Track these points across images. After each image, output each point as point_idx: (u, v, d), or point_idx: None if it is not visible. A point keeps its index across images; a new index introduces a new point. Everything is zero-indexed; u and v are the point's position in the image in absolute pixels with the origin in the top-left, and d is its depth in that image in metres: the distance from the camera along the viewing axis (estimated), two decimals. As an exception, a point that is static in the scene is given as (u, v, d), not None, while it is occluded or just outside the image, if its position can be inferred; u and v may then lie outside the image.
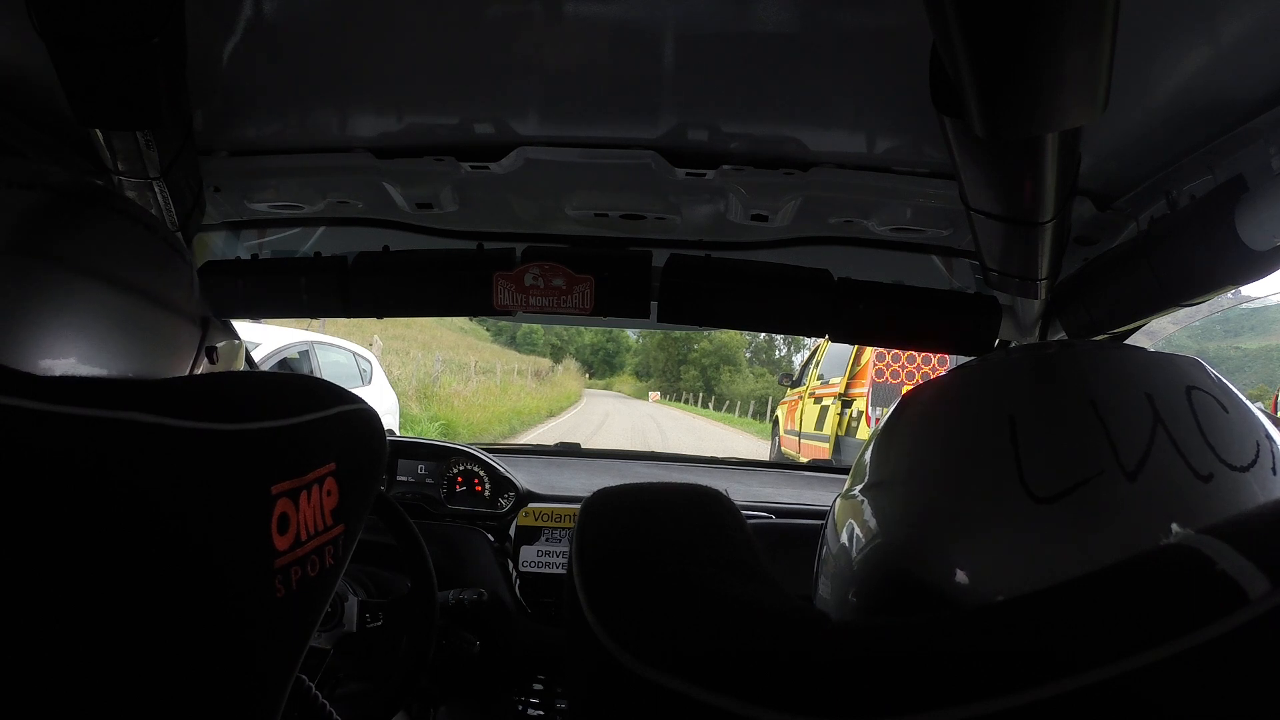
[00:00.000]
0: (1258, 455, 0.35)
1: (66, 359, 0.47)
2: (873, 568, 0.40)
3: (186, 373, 0.59)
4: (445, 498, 1.47)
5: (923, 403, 0.44)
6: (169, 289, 0.55)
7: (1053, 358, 0.41)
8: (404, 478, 1.49)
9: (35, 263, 0.47)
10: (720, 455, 2.48)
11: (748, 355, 47.53)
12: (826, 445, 6.53)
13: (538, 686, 1.38)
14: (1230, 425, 0.35)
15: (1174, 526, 0.32)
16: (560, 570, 1.39)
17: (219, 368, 0.72)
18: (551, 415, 17.58)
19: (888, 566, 0.39)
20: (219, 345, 0.67)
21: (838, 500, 0.48)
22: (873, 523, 0.41)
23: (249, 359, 1.36)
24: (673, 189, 0.93)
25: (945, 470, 0.38)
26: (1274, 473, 0.35)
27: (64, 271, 0.48)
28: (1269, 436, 0.36)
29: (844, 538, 0.44)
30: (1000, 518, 0.35)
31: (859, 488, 0.44)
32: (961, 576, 0.35)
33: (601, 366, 53.31)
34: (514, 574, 1.39)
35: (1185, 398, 0.36)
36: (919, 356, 5.68)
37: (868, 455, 0.46)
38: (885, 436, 0.45)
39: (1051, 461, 0.35)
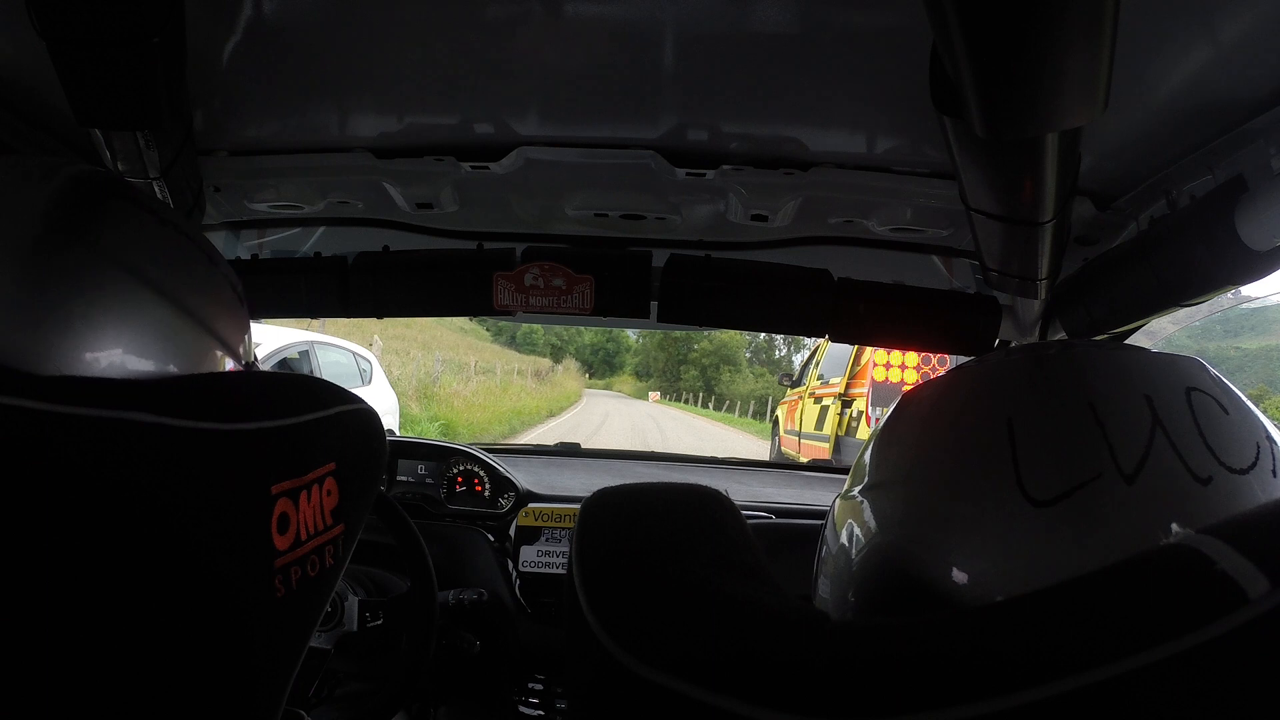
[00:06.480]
0: (1258, 457, 0.34)
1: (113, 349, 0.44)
2: (872, 568, 0.40)
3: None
4: (445, 498, 1.47)
5: (922, 403, 0.44)
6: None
7: (1051, 359, 0.41)
8: (404, 478, 1.49)
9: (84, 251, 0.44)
10: (720, 455, 2.48)
11: (748, 355, 47.56)
12: (826, 445, 6.51)
13: (538, 686, 1.38)
14: (1230, 427, 0.35)
15: (1174, 527, 0.32)
16: (560, 570, 1.39)
17: None
18: (551, 415, 17.58)
19: (887, 567, 0.39)
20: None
21: (837, 500, 0.48)
22: (872, 523, 0.41)
23: None
24: (673, 189, 0.93)
25: (943, 473, 0.38)
26: (1274, 475, 0.34)
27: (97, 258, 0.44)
28: (1269, 438, 0.36)
29: (843, 538, 0.44)
30: (998, 521, 0.35)
31: (858, 488, 0.44)
32: (960, 579, 0.35)
33: (601, 366, 53.33)
34: (514, 574, 1.39)
35: (1185, 399, 0.36)
36: (919, 356, 5.68)
37: (867, 455, 0.45)
38: (884, 437, 0.45)
39: (1049, 465, 0.35)
